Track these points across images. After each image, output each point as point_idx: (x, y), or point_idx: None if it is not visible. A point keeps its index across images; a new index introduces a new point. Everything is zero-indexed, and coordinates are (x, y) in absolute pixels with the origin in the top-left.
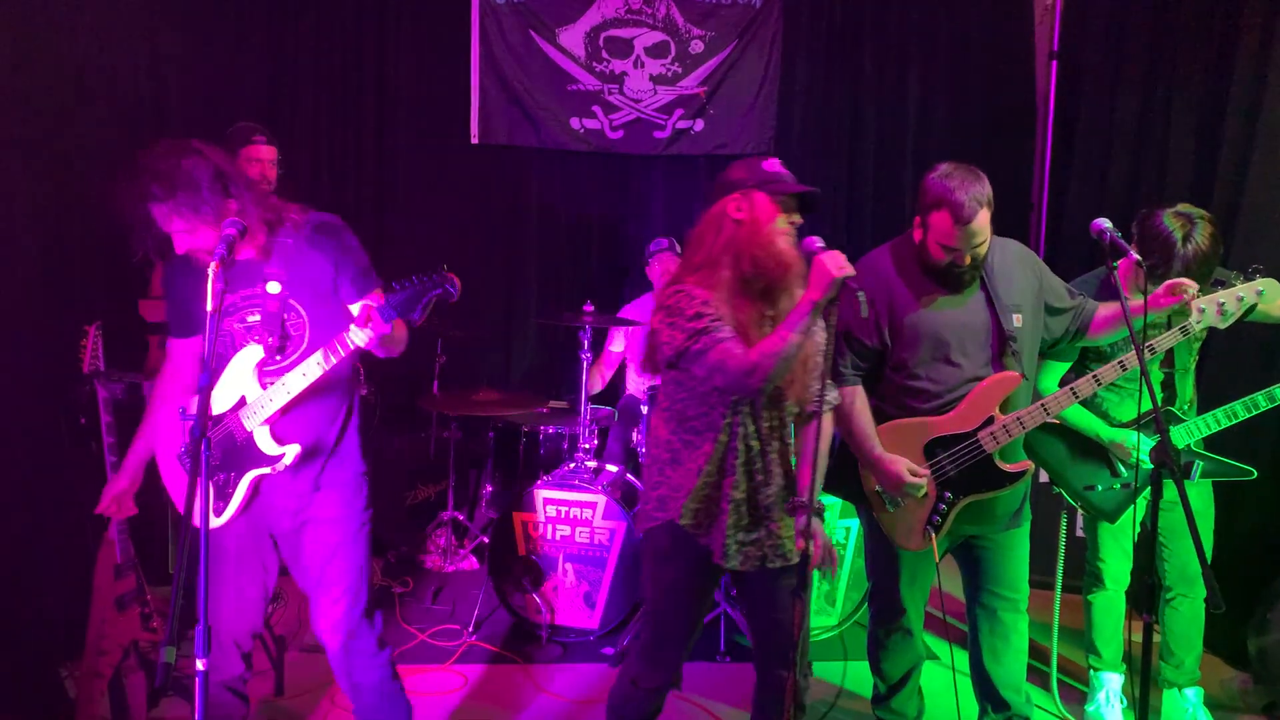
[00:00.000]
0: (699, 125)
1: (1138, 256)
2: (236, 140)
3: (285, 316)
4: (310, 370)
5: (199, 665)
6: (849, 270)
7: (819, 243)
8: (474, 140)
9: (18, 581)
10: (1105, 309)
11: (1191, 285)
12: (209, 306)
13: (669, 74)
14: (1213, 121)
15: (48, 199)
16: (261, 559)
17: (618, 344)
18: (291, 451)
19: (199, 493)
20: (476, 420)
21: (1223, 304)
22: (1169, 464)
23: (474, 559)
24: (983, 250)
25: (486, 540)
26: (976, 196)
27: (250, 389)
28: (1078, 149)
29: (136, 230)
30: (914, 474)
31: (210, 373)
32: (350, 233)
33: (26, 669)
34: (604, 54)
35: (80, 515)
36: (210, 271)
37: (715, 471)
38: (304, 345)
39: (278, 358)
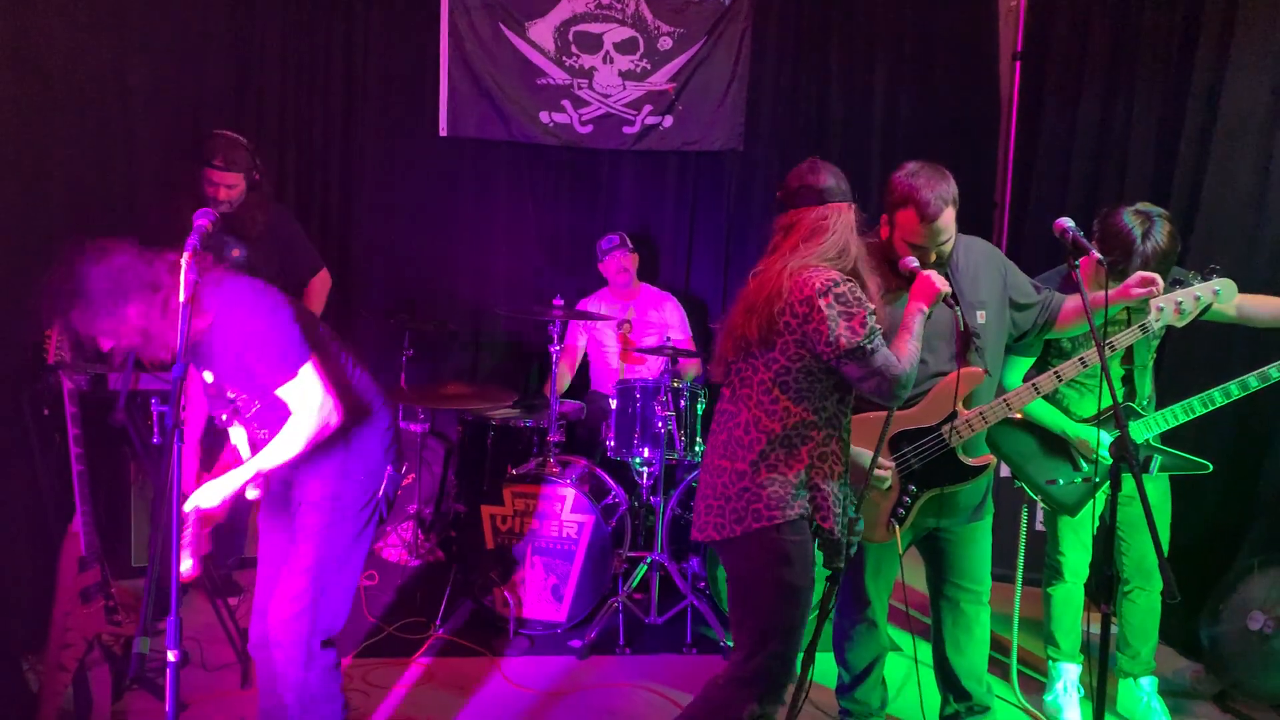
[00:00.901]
0: (668, 121)
1: (1099, 255)
2: (203, 150)
3: (230, 397)
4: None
5: (170, 657)
6: (948, 288)
7: (915, 261)
8: (442, 133)
9: None
10: (1073, 300)
11: (1159, 279)
12: (181, 297)
13: (638, 70)
14: (1172, 122)
15: (13, 188)
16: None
17: (580, 338)
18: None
19: (174, 480)
20: (444, 413)
21: (1180, 303)
22: (1128, 458)
23: (440, 552)
24: (948, 248)
25: (454, 533)
26: (942, 195)
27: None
28: (1041, 148)
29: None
30: (879, 466)
31: (183, 365)
32: (260, 307)
33: None
34: (574, 49)
35: (44, 507)
36: (184, 262)
37: (837, 462)
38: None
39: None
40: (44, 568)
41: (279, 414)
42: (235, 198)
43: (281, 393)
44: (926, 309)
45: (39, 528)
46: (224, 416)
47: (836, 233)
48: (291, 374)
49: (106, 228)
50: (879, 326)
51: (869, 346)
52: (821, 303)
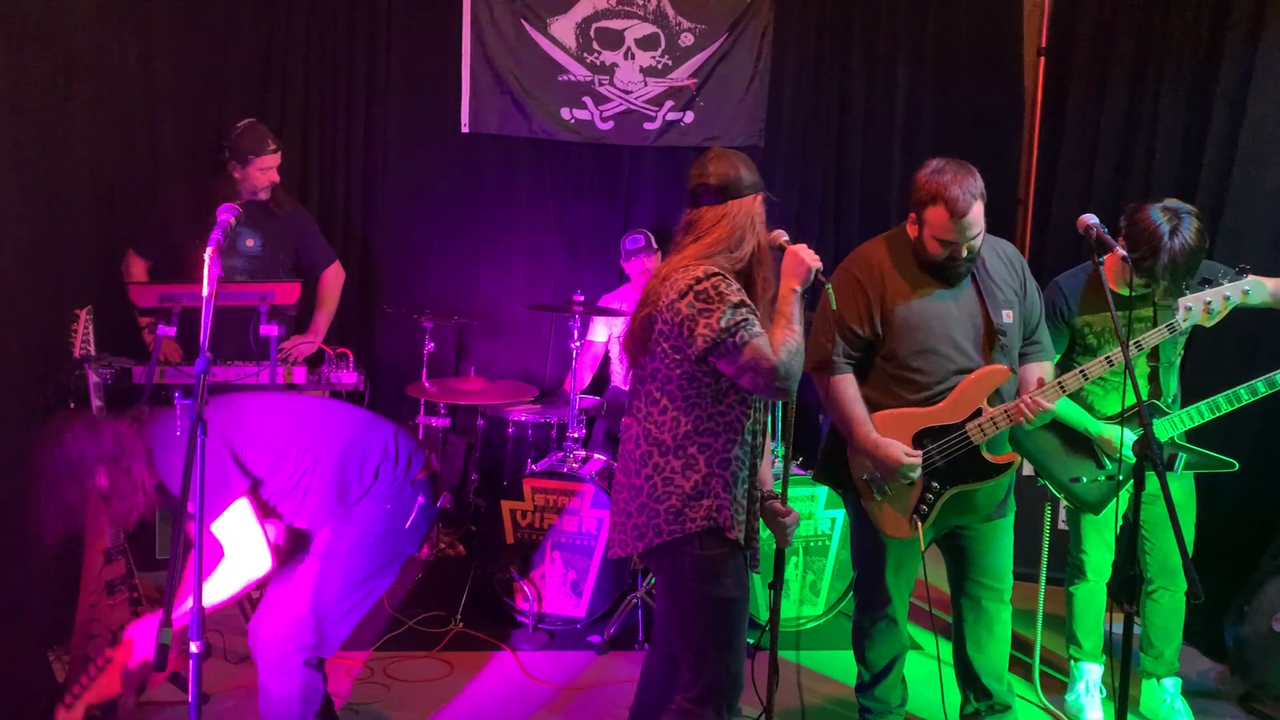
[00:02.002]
0: (689, 117)
1: (1124, 252)
2: (249, 142)
3: None
4: None
5: (193, 648)
6: (818, 263)
7: (785, 235)
8: (464, 129)
9: (6, 565)
10: (1034, 372)
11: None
12: (204, 291)
13: (659, 66)
14: (1199, 118)
15: (39, 185)
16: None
17: (599, 334)
18: None
19: (196, 476)
20: (464, 408)
21: (1209, 303)
22: (1153, 457)
23: (460, 546)
24: (978, 243)
25: (474, 528)
26: (970, 190)
27: None
28: (1065, 145)
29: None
30: (909, 455)
31: (207, 359)
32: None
33: (15, 652)
34: (595, 45)
35: None
36: (207, 258)
37: (740, 467)
38: None
39: None
40: (69, 559)
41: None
42: (277, 180)
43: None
44: (798, 288)
45: None
46: None
47: (734, 228)
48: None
49: (130, 218)
50: (750, 319)
51: (731, 341)
52: (683, 304)
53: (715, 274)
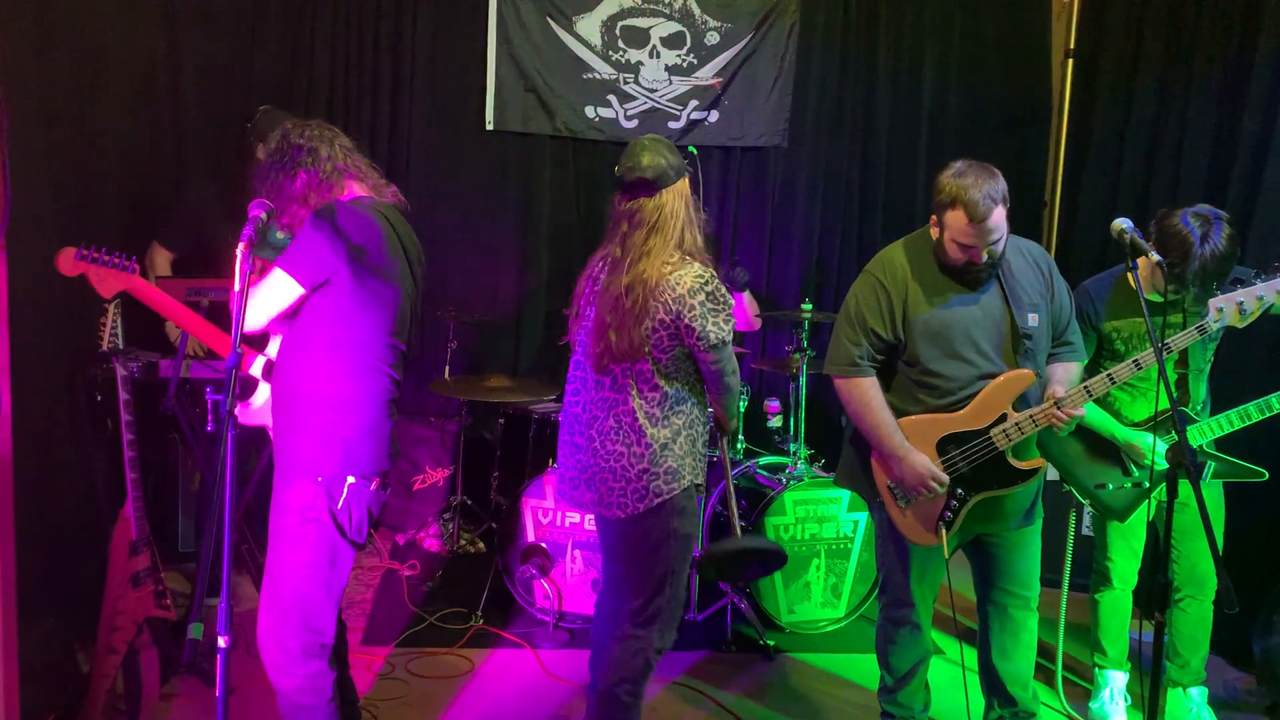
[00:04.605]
0: (714, 116)
1: (1158, 257)
2: (270, 123)
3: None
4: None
5: (221, 642)
6: None
7: None
8: (488, 126)
9: (34, 557)
10: (1059, 371)
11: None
12: (236, 287)
13: (684, 64)
14: (1229, 121)
15: (69, 179)
16: None
17: None
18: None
19: (227, 470)
20: (487, 406)
21: (1241, 303)
22: (1186, 464)
23: (481, 543)
24: (999, 248)
25: (495, 525)
26: (991, 194)
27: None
28: (1092, 148)
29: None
30: (935, 478)
31: (238, 355)
32: (321, 218)
33: (41, 643)
34: (620, 43)
35: (96, 492)
36: (239, 253)
37: (704, 427)
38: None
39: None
40: (95, 552)
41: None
42: None
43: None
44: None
45: (91, 512)
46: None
47: (675, 216)
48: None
49: (157, 208)
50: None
51: (730, 346)
52: (694, 300)
53: (712, 273)
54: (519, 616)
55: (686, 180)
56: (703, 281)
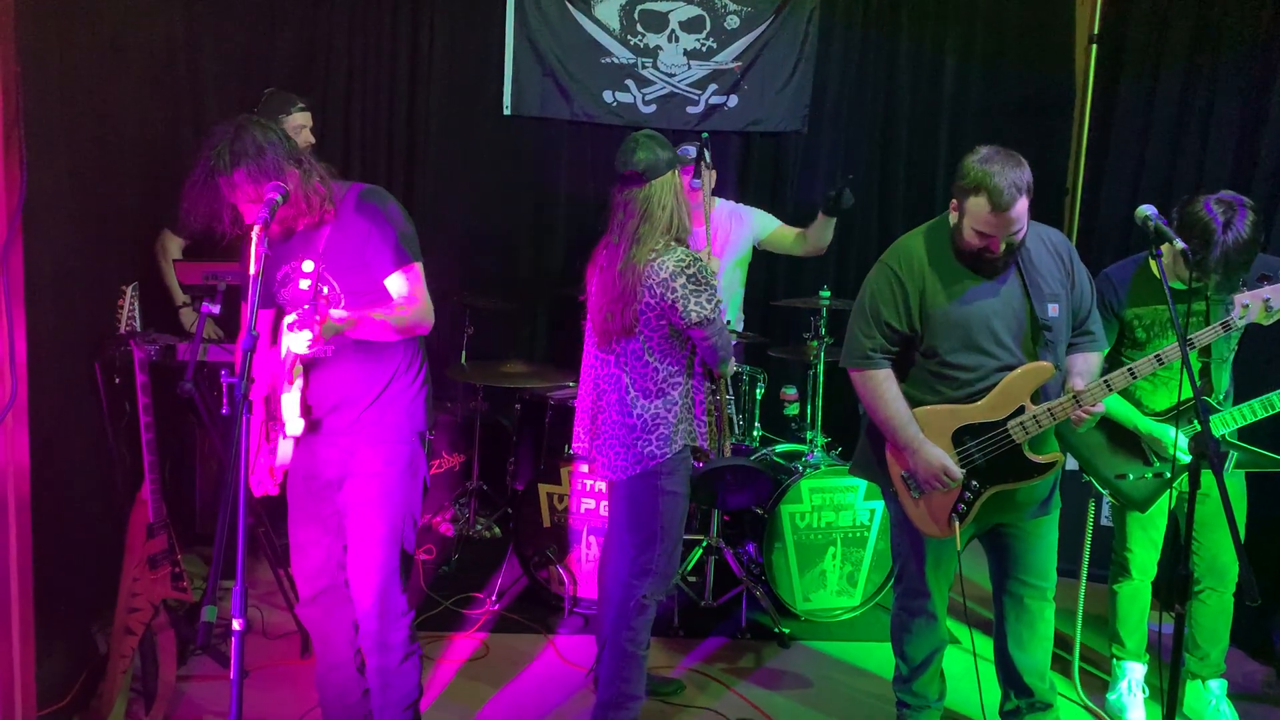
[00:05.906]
0: (732, 101)
1: (1182, 244)
2: (275, 108)
3: (322, 289)
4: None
5: (235, 625)
6: None
7: None
8: (506, 112)
9: (52, 539)
10: (1079, 362)
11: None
12: (251, 270)
13: (703, 49)
14: (1255, 108)
15: (86, 162)
16: (319, 513)
17: None
18: (298, 426)
19: (240, 455)
20: (503, 391)
21: (1268, 299)
22: (1210, 456)
23: (497, 529)
24: (1019, 238)
25: (510, 510)
26: (1016, 183)
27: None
28: (1115, 135)
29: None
30: (948, 472)
31: (252, 337)
32: (394, 203)
33: (59, 624)
34: (639, 27)
35: (113, 474)
36: (254, 235)
37: (697, 393)
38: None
39: None
40: (112, 533)
41: (362, 304)
42: (313, 141)
43: (389, 281)
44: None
45: (108, 494)
46: (293, 316)
47: (664, 205)
48: (410, 261)
49: (177, 197)
50: (720, 302)
51: (716, 323)
52: (676, 283)
53: (695, 256)
54: (534, 602)
55: (677, 172)
56: (684, 265)
